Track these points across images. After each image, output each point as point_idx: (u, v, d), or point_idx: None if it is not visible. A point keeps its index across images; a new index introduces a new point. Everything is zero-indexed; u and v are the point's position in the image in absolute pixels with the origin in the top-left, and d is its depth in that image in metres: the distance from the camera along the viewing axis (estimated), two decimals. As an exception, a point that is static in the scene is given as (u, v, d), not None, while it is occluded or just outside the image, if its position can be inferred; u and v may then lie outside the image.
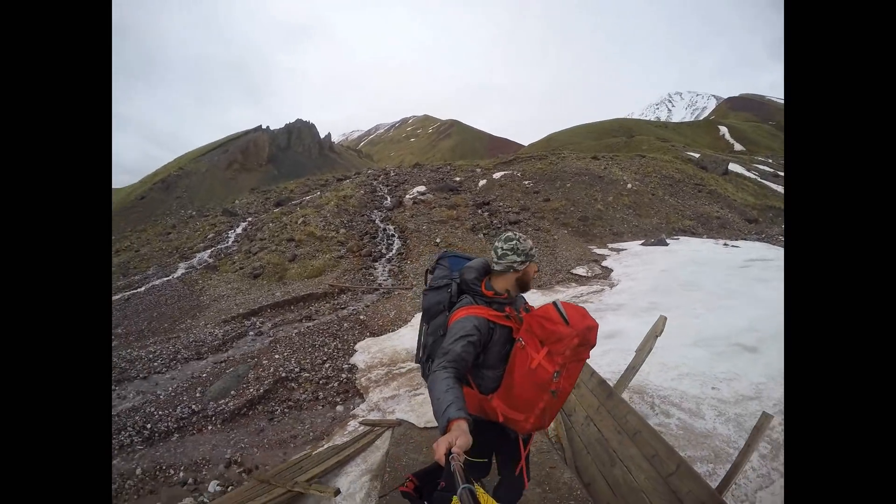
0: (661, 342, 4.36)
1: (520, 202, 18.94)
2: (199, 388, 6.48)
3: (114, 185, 54.18)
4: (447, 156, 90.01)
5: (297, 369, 6.98)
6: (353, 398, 6.21)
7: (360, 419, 5.32)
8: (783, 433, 4.03)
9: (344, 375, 6.83)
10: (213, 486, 4.56)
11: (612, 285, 10.80)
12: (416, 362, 2.48)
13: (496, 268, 2.16)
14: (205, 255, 16.18)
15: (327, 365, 7.18)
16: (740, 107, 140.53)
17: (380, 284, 12.41)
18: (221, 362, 7.45)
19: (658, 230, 17.10)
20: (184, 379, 6.96)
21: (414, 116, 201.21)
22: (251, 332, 9.18)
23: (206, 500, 4.37)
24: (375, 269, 13.84)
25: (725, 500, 2.65)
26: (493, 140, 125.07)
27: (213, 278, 13.37)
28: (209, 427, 5.72)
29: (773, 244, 14.71)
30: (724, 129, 74.80)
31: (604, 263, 12.93)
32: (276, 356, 7.37)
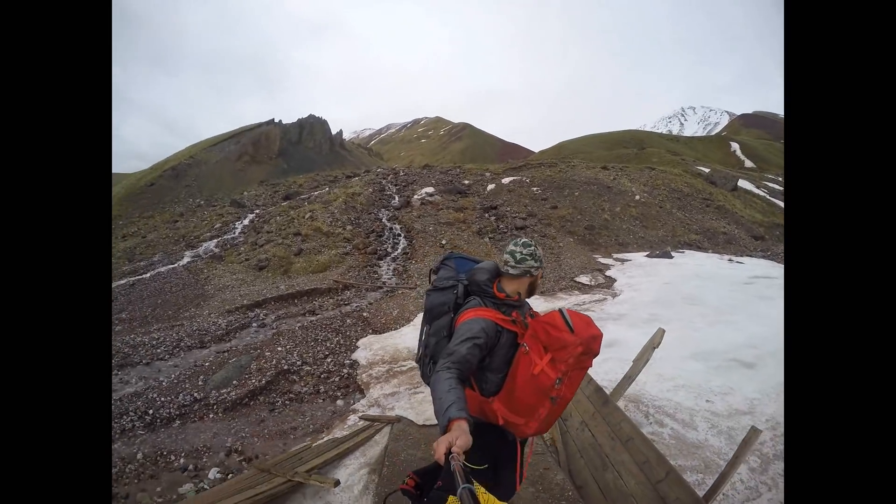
0: (660, 354, 4.44)
1: (527, 208, 18.99)
2: (201, 377, 6.55)
3: (124, 170, 54.53)
4: (457, 158, 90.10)
5: (298, 362, 7.07)
6: (353, 393, 6.29)
7: (360, 414, 5.40)
8: (775, 447, 4.11)
9: (345, 371, 6.91)
10: (213, 474, 4.60)
11: (614, 295, 10.84)
12: (415, 361, 2.48)
13: (512, 272, 2.18)
14: (211, 244, 16.31)
15: (329, 359, 7.27)
16: (753, 124, 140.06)
17: (384, 283, 12.50)
18: (224, 352, 7.52)
19: (664, 243, 17.11)
20: (186, 367, 7.04)
21: (426, 117, 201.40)
22: (254, 324, 9.27)
23: (206, 486, 4.40)
24: (380, 267, 13.95)
25: (711, 508, 2.73)
26: (503, 145, 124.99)
27: (218, 268, 13.49)
28: (210, 415, 5.80)
29: (778, 262, 14.70)
30: (735, 146, 74.40)
31: (608, 273, 12.96)
32: (279, 348, 7.45)
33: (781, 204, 29.20)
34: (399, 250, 15.28)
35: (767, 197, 30.69)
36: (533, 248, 2.20)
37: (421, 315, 2.47)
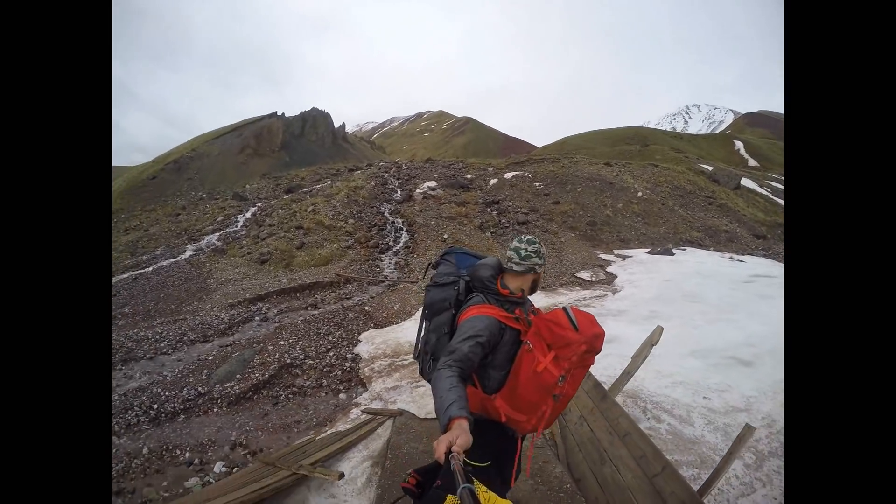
0: (659, 350, 4.49)
1: (529, 203, 19.03)
2: (205, 371, 6.61)
3: (126, 164, 54.56)
4: (460, 153, 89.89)
5: (301, 356, 7.13)
6: (355, 387, 6.35)
7: (363, 408, 5.46)
8: (770, 444, 4.17)
9: (347, 364, 6.98)
10: (218, 467, 4.63)
11: (615, 291, 10.90)
12: (414, 357, 2.46)
13: (516, 268, 2.17)
14: (213, 238, 16.38)
15: (331, 353, 7.33)
16: (757, 123, 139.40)
17: (386, 276, 12.57)
18: (227, 346, 7.61)
19: (665, 239, 17.14)
20: (190, 361, 7.11)
21: (429, 111, 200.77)
22: (257, 318, 9.35)
23: (211, 480, 4.43)
24: (382, 261, 14.02)
25: (706, 502, 2.79)
26: (506, 140, 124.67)
27: (220, 262, 13.56)
28: (215, 409, 5.86)
29: (779, 261, 14.70)
30: (739, 144, 74.19)
31: (609, 269, 13.01)
32: (282, 342, 7.52)
33: (783, 203, 29.17)
34: (401, 244, 15.35)
35: (770, 196, 30.65)
36: (537, 245, 2.20)
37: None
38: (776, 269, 12.87)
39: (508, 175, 23.06)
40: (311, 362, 7.03)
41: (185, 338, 8.15)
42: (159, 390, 6.06)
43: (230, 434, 5.26)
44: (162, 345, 7.83)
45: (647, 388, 5.19)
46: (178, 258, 14.07)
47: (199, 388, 6.15)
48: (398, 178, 23.67)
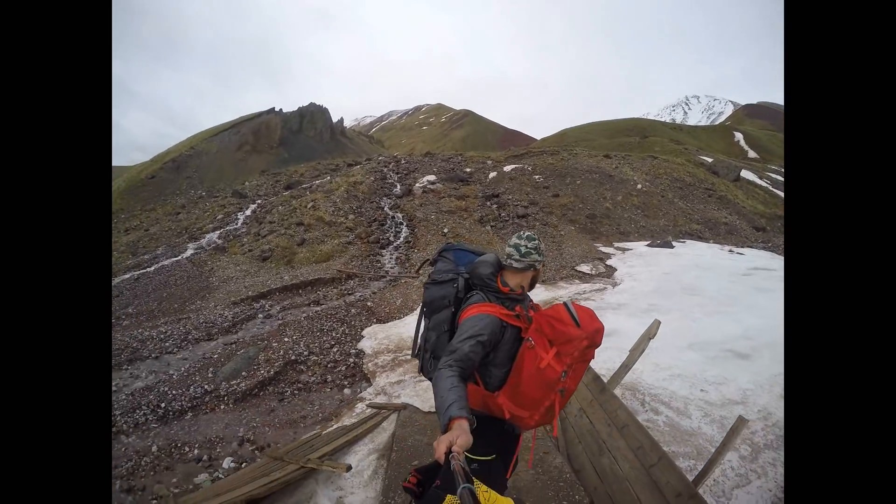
0: (657, 343, 4.59)
1: (529, 196, 19.06)
2: (210, 369, 6.70)
3: (125, 163, 54.47)
4: (459, 146, 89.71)
5: (305, 352, 7.23)
6: (360, 382, 6.46)
7: (367, 402, 5.56)
8: (766, 437, 4.27)
9: (351, 360, 7.07)
10: (227, 463, 4.73)
11: (614, 284, 10.96)
12: (413, 355, 2.45)
13: (516, 265, 2.16)
14: (214, 236, 16.46)
15: (335, 349, 7.42)
16: (757, 114, 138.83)
17: (387, 272, 12.64)
18: (232, 344, 7.69)
19: (665, 232, 17.20)
20: (195, 359, 7.21)
21: (427, 104, 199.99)
22: (260, 315, 9.44)
23: (221, 475, 4.52)
24: (383, 256, 14.08)
25: (700, 492, 2.89)
26: (505, 132, 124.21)
27: (221, 260, 13.64)
28: (222, 406, 5.96)
29: (778, 254, 14.80)
30: (739, 136, 73.97)
31: (608, 262, 13.07)
32: (286, 339, 7.62)
33: (783, 195, 29.18)
34: (401, 239, 15.40)
35: (770, 188, 30.65)
36: (537, 241, 2.20)
37: None
38: (775, 262, 12.97)
39: (508, 168, 23.09)
40: (316, 358, 7.13)
41: (190, 336, 8.23)
42: (166, 389, 6.15)
43: (238, 430, 5.36)
44: (167, 344, 7.91)
45: (646, 380, 5.28)
46: (179, 257, 14.15)
47: (206, 386, 6.25)
48: (397, 173, 23.66)
